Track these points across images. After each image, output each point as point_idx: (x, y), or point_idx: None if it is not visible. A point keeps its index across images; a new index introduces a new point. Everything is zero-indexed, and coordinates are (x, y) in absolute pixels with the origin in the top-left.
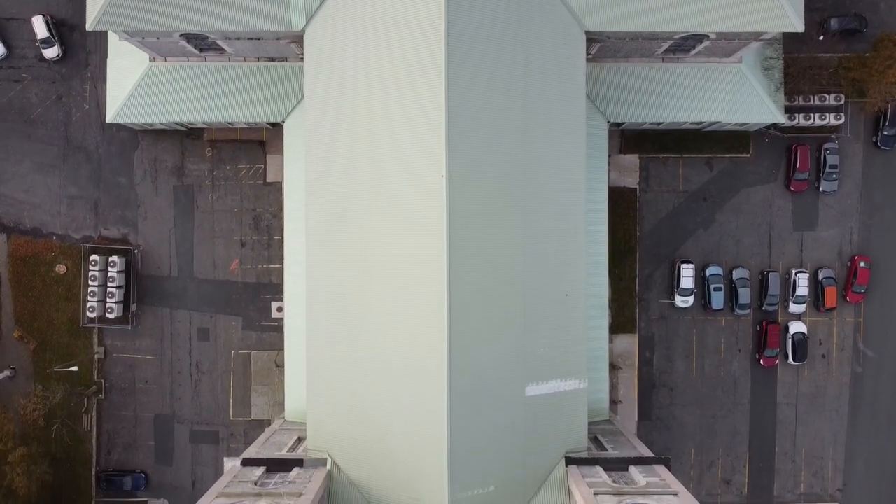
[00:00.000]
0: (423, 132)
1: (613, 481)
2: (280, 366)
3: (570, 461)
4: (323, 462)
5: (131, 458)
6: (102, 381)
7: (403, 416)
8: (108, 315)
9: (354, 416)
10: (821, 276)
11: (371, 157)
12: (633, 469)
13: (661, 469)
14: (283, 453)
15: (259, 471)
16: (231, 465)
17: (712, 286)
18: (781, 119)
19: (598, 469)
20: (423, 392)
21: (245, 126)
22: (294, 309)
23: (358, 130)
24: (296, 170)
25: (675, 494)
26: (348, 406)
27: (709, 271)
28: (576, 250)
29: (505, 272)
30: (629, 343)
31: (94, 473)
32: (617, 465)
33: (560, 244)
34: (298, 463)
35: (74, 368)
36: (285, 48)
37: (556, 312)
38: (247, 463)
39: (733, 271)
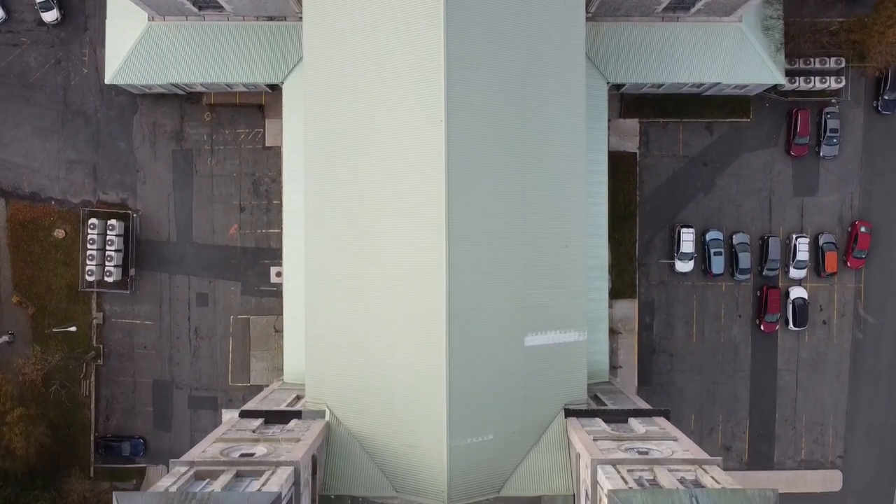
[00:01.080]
0: (422, 82)
1: (613, 430)
2: (279, 331)
3: (569, 413)
4: (321, 414)
5: (130, 423)
6: (101, 346)
7: (402, 365)
8: (106, 279)
9: (353, 366)
10: (821, 242)
11: (370, 110)
12: (632, 420)
13: (660, 420)
14: (282, 407)
15: (257, 422)
16: (229, 416)
17: (712, 251)
18: (781, 80)
19: (598, 420)
20: (422, 340)
21: (244, 90)
22: (293, 271)
23: (357, 84)
24: (295, 132)
25: (675, 440)
26: (347, 357)
27: (709, 236)
28: (575, 202)
29: (504, 222)
30: (629, 308)
31: (92, 439)
32: (617, 417)
33: (559, 195)
34: (297, 414)
35: (72, 328)
36: (284, 5)
37: (555, 263)
38: (245, 415)
39: (733, 236)
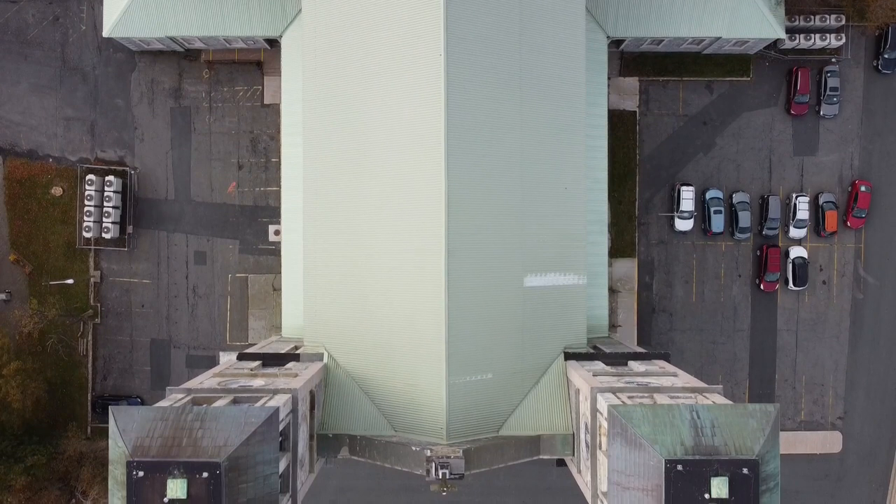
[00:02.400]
0: (421, 21)
1: (612, 370)
2: (277, 289)
3: (568, 356)
4: (320, 356)
5: (127, 383)
6: (98, 305)
7: (401, 304)
8: (104, 235)
9: (351, 308)
10: (821, 201)
11: (369, 49)
12: (632, 363)
13: (659, 362)
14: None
15: (255, 364)
16: (227, 358)
17: (712, 209)
18: (781, 34)
19: (598, 362)
20: (421, 277)
21: (242, 46)
22: (291, 227)
23: (356, 30)
24: (294, 84)
25: (675, 375)
26: (345, 299)
27: (709, 194)
28: (575, 144)
29: (503, 161)
30: (629, 267)
31: (89, 399)
32: (616, 360)
33: (559, 137)
34: (295, 357)
35: (70, 281)
36: None
37: (555, 205)
38: (243, 357)
39: (733, 195)
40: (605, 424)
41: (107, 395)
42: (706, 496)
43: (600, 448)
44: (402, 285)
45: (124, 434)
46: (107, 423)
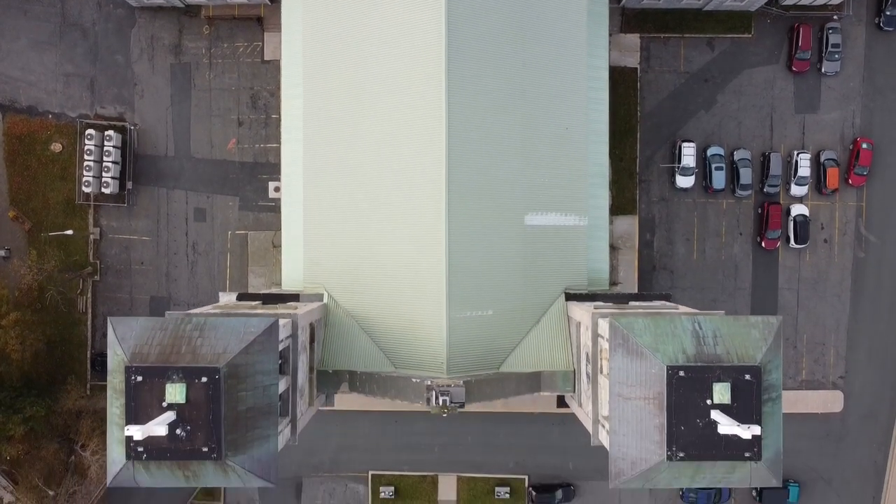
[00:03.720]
0: None
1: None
2: (277, 246)
3: (569, 297)
4: (319, 297)
5: None
6: (98, 262)
7: (401, 241)
8: (103, 191)
9: (351, 247)
10: (822, 158)
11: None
12: (633, 303)
13: (661, 303)
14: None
15: (255, 303)
16: (227, 298)
17: (713, 166)
18: None
19: (599, 301)
20: (422, 212)
21: (243, 1)
22: (291, 177)
23: None
24: (294, 36)
25: (676, 308)
26: (345, 238)
27: (710, 151)
28: (576, 85)
29: (504, 97)
30: (629, 224)
31: (88, 356)
32: (617, 300)
33: (560, 78)
34: (294, 297)
35: (69, 232)
36: None
37: (556, 145)
38: (242, 297)
39: (734, 152)
40: (606, 347)
41: (106, 352)
42: (708, 402)
43: (601, 372)
44: (402, 221)
45: (123, 342)
46: (105, 380)
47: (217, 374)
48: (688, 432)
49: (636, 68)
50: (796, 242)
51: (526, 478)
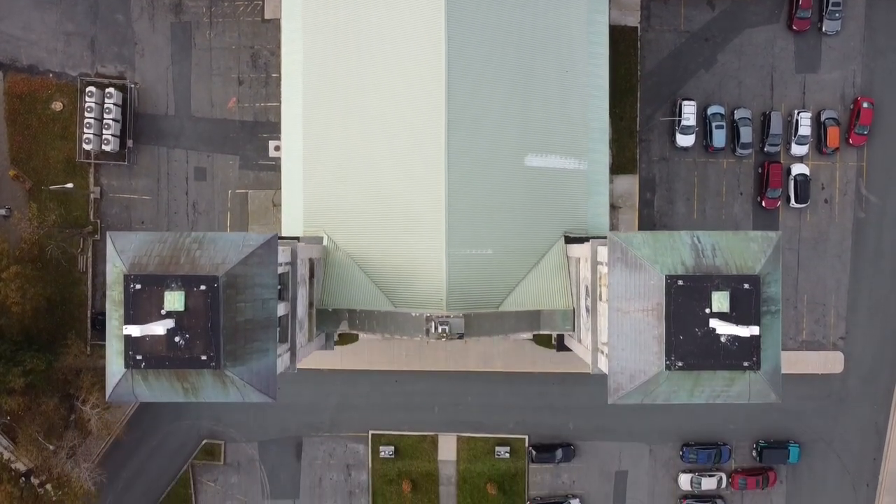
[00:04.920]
0: None
1: None
2: (277, 205)
3: (569, 240)
4: (319, 239)
5: None
6: (98, 221)
7: (401, 179)
8: (104, 148)
9: (351, 188)
10: (823, 118)
11: None
12: None
13: None
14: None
15: None
16: None
17: (714, 124)
18: None
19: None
20: (421, 150)
21: None
22: (291, 133)
23: None
24: None
25: None
26: (345, 180)
27: (710, 110)
28: (576, 27)
29: (504, 34)
30: (630, 183)
31: (89, 315)
32: None
33: (560, 19)
34: (294, 240)
35: (70, 185)
36: None
37: (556, 87)
38: None
39: (735, 111)
40: (605, 272)
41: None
42: (707, 311)
43: (600, 299)
44: (402, 160)
45: (122, 254)
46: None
47: (216, 282)
48: (686, 342)
49: (636, 27)
50: (797, 202)
51: (526, 437)
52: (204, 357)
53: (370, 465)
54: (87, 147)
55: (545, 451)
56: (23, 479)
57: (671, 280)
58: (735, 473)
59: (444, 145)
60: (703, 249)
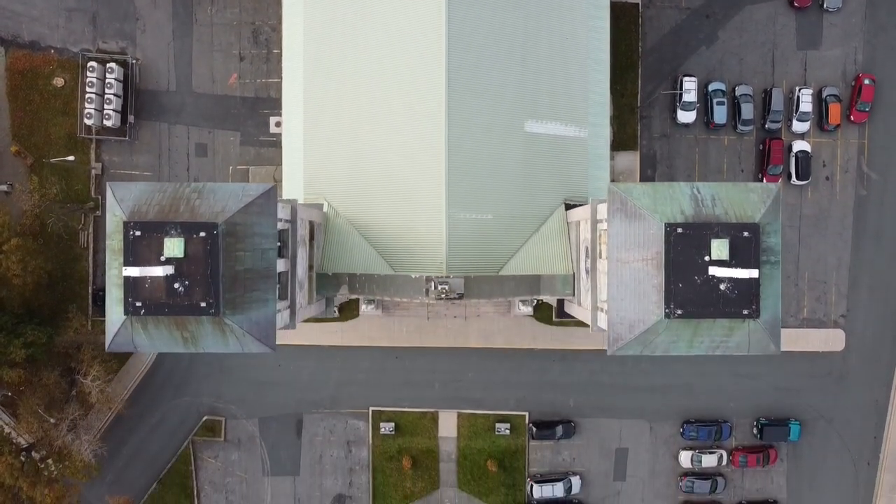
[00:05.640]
0: None
1: None
2: (278, 181)
3: (569, 207)
4: (319, 206)
5: None
6: (99, 197)
7: (401, 144)
8: (105, 123)
9: (351, 154)
10: (824, 94)
11: None
12: None
13: None
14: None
15: None
16: None
17: (715, 100)
18: None
19: None
20: (421, 114)
21: None
22: (291, 106)
23: None
24: None
25: None
26: (346, 146)
27: (711, 86)
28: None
29: (504, 3)
30: (631, 160)
31: (90, 291)
32: None
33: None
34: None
35: (71, 158)
36: None
37: (556, 53)
38: None
39: (736, 88)
40: (605, 228)
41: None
42: (706, 259)
43: (600, 257)
44: (402, 125)
45: (122, 203)
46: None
47: (215, 229)
48: (686, 290)
49: (637, 3)
50: (798, 179)
51: (526, 414)
52: (203, 304)
53: (371, 441)
54: (88, 122)
55: (545, 427)
56: (23, 453)
57: (670, 228)
58: (736, 451)
59: (445, 109)
60: (702, 199)
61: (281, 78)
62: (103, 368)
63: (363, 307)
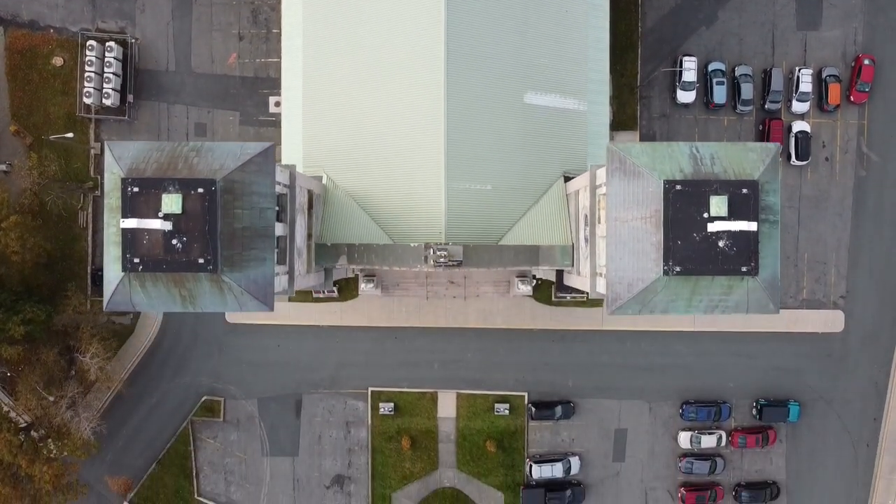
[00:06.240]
0: None
1: None
2: (277, 161)
3: (568, 179)
4: (318, 178)
5: None
6: (98, 177)
7: (400, 114)
8: (104, 102)
9: (350, 126)
10: (824, 75)
11: None
12: None
13: None
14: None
15: None
16: None
17: (714, 80)
18: None
19: None
20: (420, 84)
21: None
22: (292, 85)
23: None
24: None
25: None
26: (344, 119)
27: (711, 66)
28: None
29: None
30: (630, 140)
31: (89, 271)
32: None
33: None
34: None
35: (70, 135)
36: None
37: (556, 26)
38: None
39: (736, 68)
40: (604, 192)
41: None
42: (705, 216)
43: (599, 222)
44: (401, 96)
45: (120, 161)
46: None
47: (213, 185)
48: (684, 247)
49: None
50: (797, 159)
51: (525, 395)
52: (201, 260)
53: (370, 422)
54: (87, 101)
55: (545, 408)
56: (22, 433)
57: (669, 185)
58: (735, 432)
59: (444, 78)
60: (701, 158)
61: (280, 58)
62: (102, 346)
63: (362, 286)
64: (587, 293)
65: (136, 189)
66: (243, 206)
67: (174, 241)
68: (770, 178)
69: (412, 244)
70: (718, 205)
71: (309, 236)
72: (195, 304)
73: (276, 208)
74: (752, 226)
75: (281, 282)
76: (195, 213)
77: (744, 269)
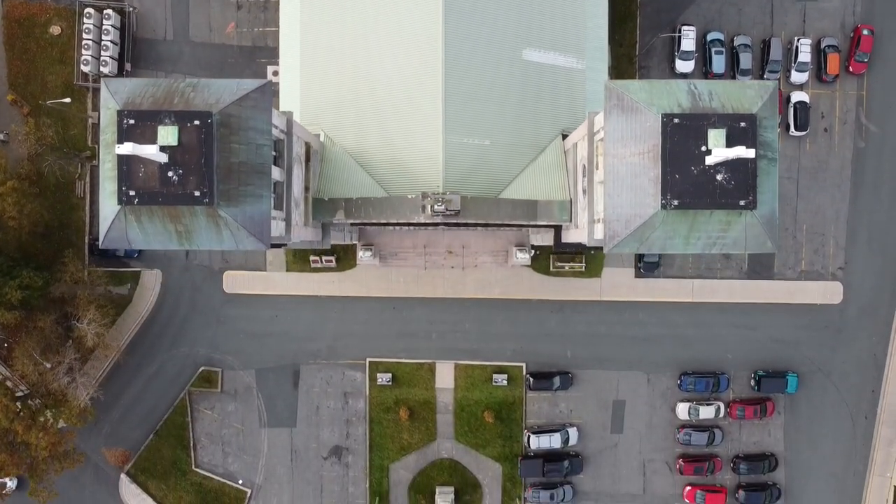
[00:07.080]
0: None
1: None
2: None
3: (567, 137)
4: (316, 136)
5: None
6: (96, 146)
7: (397, 69)
8: (102, 70)
9: (348, 82)
10: (823, 45)
11: None
12: None
13: None
14: None
15: None
16: None
17: (713, 50)
18: None
19: None
20: (418, 37)
21: None
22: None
23: None
24: None
25: None
26: (342, 74)
27: (710, 36)
28: None
29: None
30: None
31: (87, 241)
32: None
33: None
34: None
35: (67, 100)
36: None
37: None
38: None
39: (735, 38)
40: (601, 137)
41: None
42: (703, 149)
43: (597, 169)
44: (399, 50)
45: (116, 95)
46: (104, 266)
47: (209, 118)
48: (682, 181)
49: None
50: (796, 130)
51: (524, 365)
52: (197, 193)
53: (368, 392)
54: (84, 69)
55: (543, 378)
56: (19, 402)
57: (667, 119)
58: (733, 403)
59: (442, 31)
60: (699, 94)
61: (278, 27)
62: (99, 313)
63: (360, 255)
64: (584, 264)
65: (132, 121)
66: (240, 142)
67: (170, 174)
68: (768, 115)
69: (410, 195)
70: (717, 137)
71: (306, 189)
72: (191, 240)
73: (273, 153)
74: (749, 153)
75: (278, 227)
76: (191, 145)
77: (742, 202)
